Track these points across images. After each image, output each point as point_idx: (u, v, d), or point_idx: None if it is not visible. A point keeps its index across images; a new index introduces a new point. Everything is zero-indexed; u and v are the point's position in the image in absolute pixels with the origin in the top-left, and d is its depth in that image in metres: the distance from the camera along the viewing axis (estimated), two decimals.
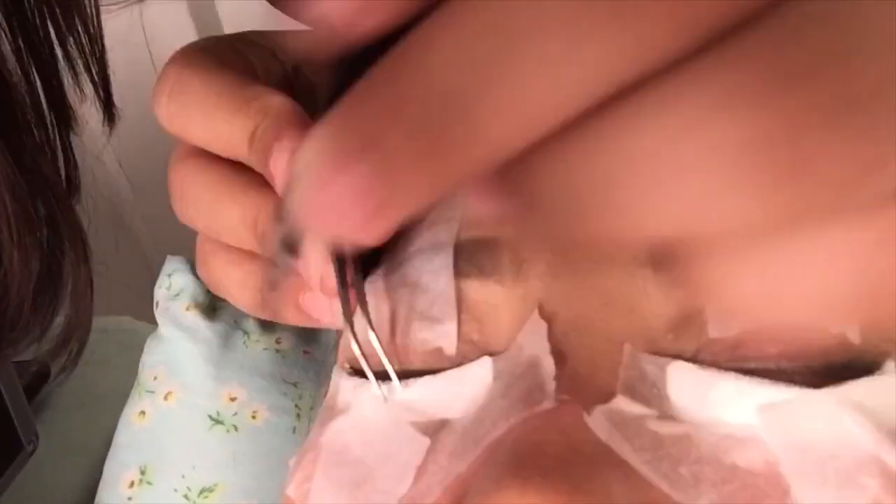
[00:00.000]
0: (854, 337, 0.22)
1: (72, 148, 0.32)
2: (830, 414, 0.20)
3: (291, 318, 0.30)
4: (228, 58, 0.30)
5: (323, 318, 0.29)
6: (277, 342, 0.48)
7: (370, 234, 0.14)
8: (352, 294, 0.27)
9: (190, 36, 0.95)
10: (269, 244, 0.28)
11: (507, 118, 0.13)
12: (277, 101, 0.27)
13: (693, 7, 0.13)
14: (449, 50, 0.13)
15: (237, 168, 0.29)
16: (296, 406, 0.46)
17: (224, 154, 0.29)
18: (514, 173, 0.15)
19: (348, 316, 0.27)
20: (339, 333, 0.33)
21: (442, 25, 0.14)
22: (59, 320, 0.32)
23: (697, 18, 0.13)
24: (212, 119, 0.28)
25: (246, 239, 0.29)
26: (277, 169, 0.27)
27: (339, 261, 0.27)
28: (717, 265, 0.14)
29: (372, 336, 0.26)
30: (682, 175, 0.13)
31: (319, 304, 0.29)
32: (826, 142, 0.12)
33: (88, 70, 0.31)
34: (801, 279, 0.14)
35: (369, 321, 0.27)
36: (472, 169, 0.14)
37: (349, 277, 0.27)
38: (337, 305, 0.27)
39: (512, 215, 0.16)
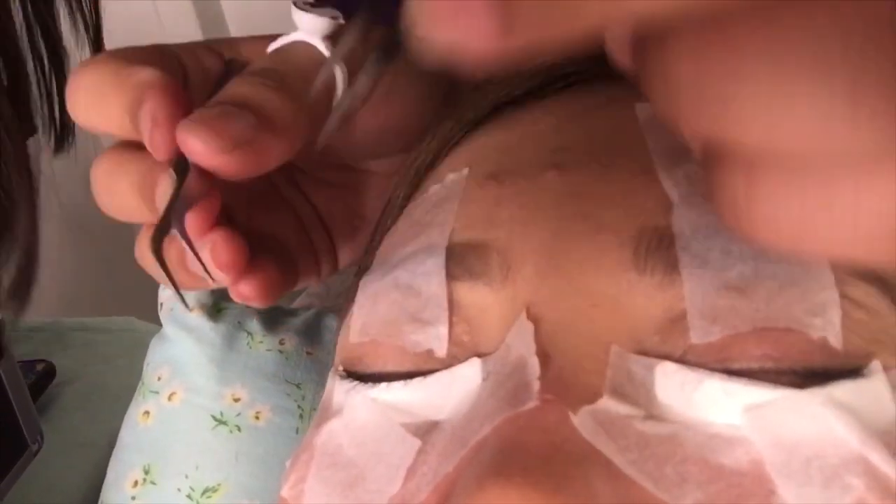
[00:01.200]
0: (836, 342, 0.22)
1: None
2: (816, 414, 0.21)
3: (188, 284, 0.31)
4: (149, 57, 0.31)
5: (208, 280, 0.30)
6: (281, 343, 0.49)
7: (495, 47, 0.13)
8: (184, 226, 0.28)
9: (194, 34, 0.95)
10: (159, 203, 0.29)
11: None
12: (147, 73, 0.28)
13: None
14: None
15: (134, 146, 0.30)
16: (298, 407, 0.46)
17: (119, 134, 0.30)
18: (650, 47, 0.15)
19: (158, 251, 0.27)
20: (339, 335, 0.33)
21: None
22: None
23: None
24: (102, 103, 0.29)
25: (138, 210, 0.30)
26: (144, 129, 0.27)
27: (178, 187, 0.27)
28: (770, 180, 0.14)
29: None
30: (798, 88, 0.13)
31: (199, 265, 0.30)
32: None
33: (80, 10, 0.32)
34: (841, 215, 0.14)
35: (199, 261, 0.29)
36: (608, 15, 0.13)
37: (178, 212, 0.28)
38: (195, 260, 0.29)
39: (642, 86, 0.16)
